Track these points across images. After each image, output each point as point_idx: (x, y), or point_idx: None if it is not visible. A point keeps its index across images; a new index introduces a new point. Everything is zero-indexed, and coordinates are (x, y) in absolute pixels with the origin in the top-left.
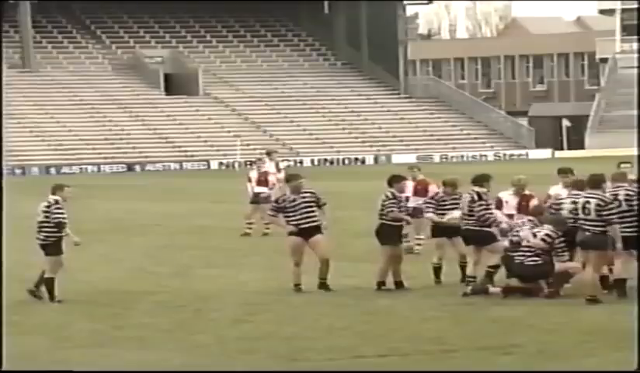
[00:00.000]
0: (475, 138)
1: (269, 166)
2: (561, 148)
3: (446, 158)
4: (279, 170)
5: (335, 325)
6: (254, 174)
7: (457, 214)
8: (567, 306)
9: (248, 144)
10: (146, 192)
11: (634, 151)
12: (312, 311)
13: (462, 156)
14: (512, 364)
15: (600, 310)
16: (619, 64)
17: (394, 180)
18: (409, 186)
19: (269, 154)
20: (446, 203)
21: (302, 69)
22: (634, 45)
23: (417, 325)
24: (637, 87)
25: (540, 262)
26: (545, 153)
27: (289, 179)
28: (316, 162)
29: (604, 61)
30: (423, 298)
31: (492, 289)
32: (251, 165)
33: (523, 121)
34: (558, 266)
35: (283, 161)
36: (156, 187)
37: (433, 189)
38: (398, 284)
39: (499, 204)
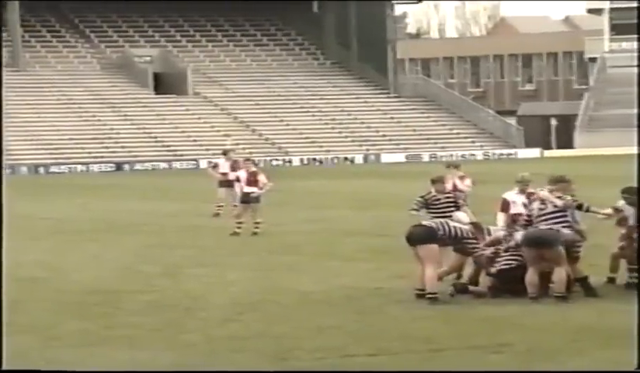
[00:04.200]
0: (464, 138)
1: (223, 166)
2: (551, 148)
3: (435, 157)
4: (234, 169)
5: (325, 325)
6: (243, 174)
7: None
8: (556, 305)
9: (237, 144)
10: (135, 191)
11: (622, 151)
12: (301, 311)
13: (451, 155)
14: (501, 362)
15: (589, 309)
16: (608, 63)
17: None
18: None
19: (225, 153)
20: (440, 202)
21: (291, 68)
22: (623, 44)
23: (407, 324)
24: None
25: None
26: (534, 152)
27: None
28: (305, 161)
29: (593, 60)
30: (413, 298)
31: (472, 288)
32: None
33: (512, 120)
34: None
35: (247, 160)
36: (145, 187)
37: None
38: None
39: (505, 205)
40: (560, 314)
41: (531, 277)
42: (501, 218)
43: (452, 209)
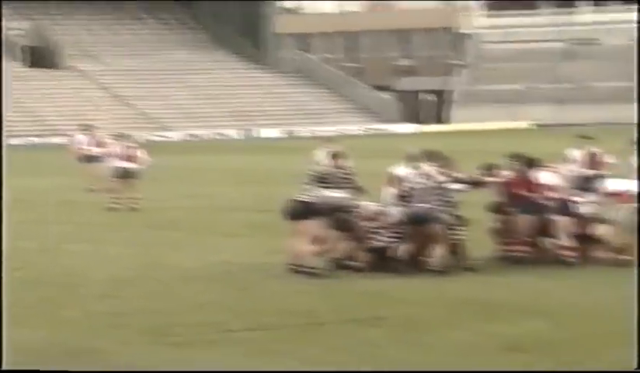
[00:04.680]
0: (342, 113)
1: (81, 141)
2: (427, 123)
3: (313, 132)
4: (100, 145)
5: (205, 300)
6: (118, 149)
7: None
8: (434, 279)
9: (114, 119)
10: (10, 167)
11: (497, 126)
12: (182, 287)
13: (329, 131)
14: (380, 335)
15: (467, 282)
16: (483, 39)
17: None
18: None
19: (85, 129)
20: (336, 177)
21: (169, 43)
22: (498, 20)
23: (286, 299)
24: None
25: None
26: (411, 127)
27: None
28: (184, 137)
29: (468, 36)
30: (293, 273)
31: (350, 262)
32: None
33: (389, 96)
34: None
35: (121, 136)
36: (20, 162)
37: None
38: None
39: (393, 180)
40: (437, 288)
41: (408, 251)
42: (388, 193)
43: (347, 185)
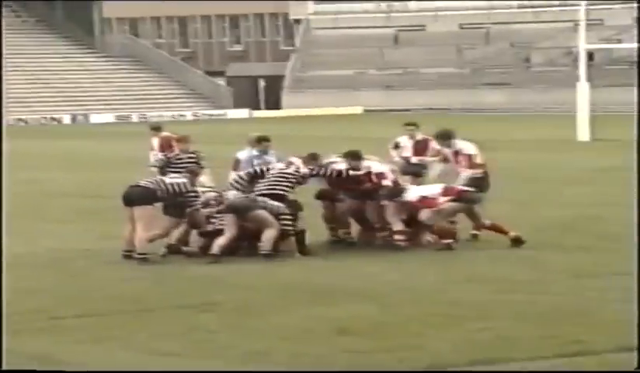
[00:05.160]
0: (174, 98)
1: None
2: (259, 108)
3: (145, 118)
4: None
5: (33, 288)
6: None
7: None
8: (265, 263)
9: None
10: None
11: (328, 111)
12: (9, 273)
13: (161, 116)
14: (211, 320)
15: (297, 266)
16: (312, 25)
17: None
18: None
19: None
20: (182, 161)
21: None
22: (326, 6)
23: (116, 285)
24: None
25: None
26: (243, 113)
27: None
28: (11, 122)
29: (298, 21)
30: (123, 260)
31: (184, 248)
32: None
33: (221, 81)
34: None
35: None
36: None
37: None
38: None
39: (237, 165)
40: (268, 272)
41: (228, 239)
42: (232, 177)
43: (187, 170)
